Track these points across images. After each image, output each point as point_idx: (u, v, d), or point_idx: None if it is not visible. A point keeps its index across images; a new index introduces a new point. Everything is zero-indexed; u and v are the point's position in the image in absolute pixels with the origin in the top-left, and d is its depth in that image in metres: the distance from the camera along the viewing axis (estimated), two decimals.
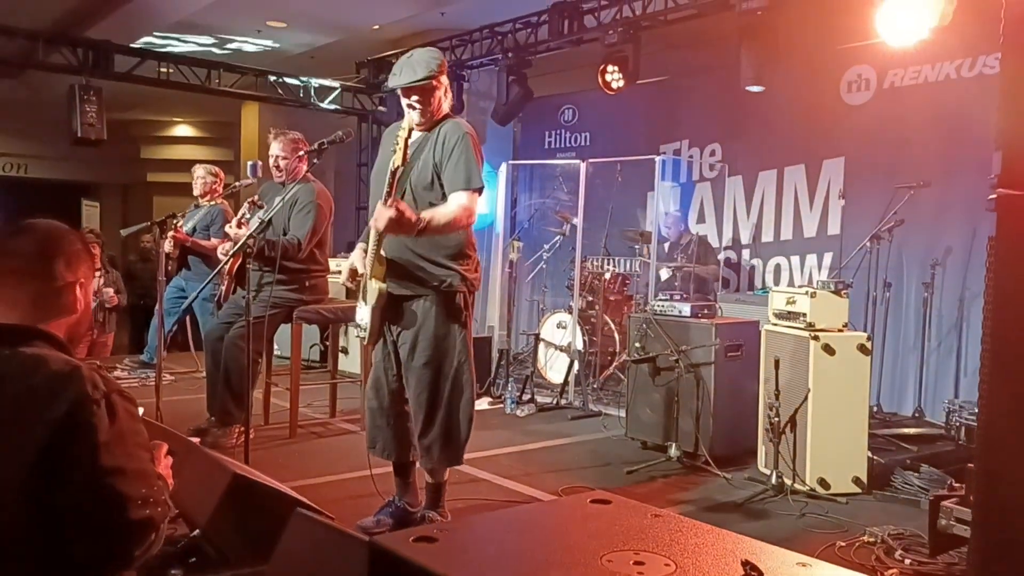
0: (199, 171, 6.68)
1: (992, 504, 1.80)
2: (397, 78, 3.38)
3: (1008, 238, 1.68)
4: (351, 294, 7.22)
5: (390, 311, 3.46)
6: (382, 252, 3.37)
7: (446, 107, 3.47)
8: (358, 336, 3.63)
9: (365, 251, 3.46)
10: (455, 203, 3.30)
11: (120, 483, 1.56)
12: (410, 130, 3.32)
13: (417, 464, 3.61)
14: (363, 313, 3.48)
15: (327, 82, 9.71)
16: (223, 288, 4.94)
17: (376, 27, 9.27)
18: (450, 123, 3.44)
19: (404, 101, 3.41)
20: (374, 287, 3.40)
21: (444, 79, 3.42)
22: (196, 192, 6.67)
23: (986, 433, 1.71)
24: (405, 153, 3.25)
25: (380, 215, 3.16)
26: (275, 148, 4.94)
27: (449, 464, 3.52)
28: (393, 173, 3.26)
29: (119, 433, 1.58)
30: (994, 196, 1.70)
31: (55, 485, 1.52)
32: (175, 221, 5.97)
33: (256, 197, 4.91)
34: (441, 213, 3.28)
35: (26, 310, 1.68)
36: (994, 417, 1.72)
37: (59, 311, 1.72)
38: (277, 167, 4.92)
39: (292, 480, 3.88)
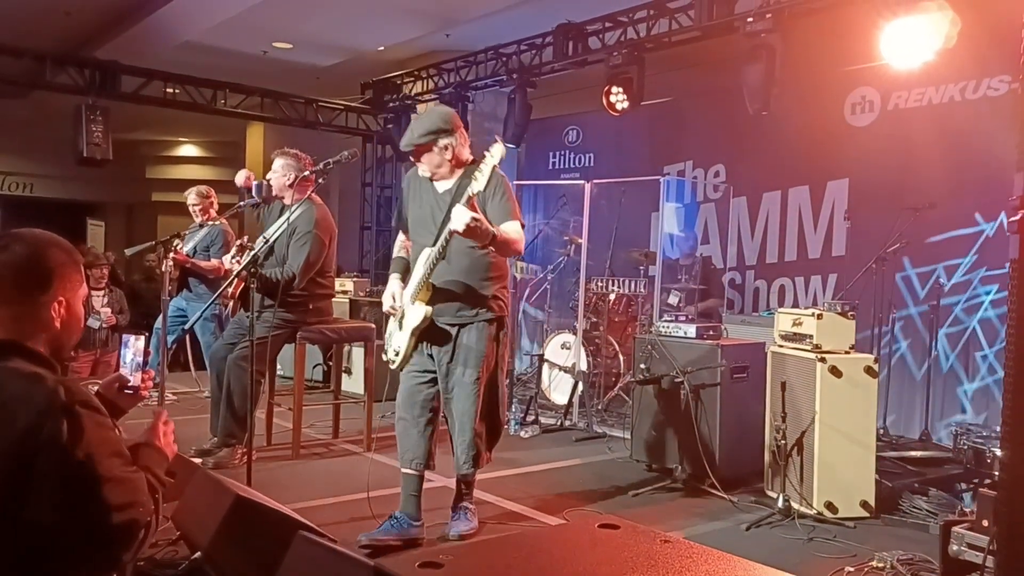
0: (190, 197, 6.66)
1: (1016, 539, 1.76)
2: (404, 139, 3.71)
3: None
4: (354, 314, 7.25)
5: (433, 335, 3.69)
6: (431, 280, 3.61)
7: (467, 155, 3.69)
8: (387, 360, 3.84)
9: (401, 280, 3.75)
10: (512, 228, 3.57)
11: (95, 492, 1.56)
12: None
13: (426, 476, 3.82)
14: (399, 338, 3.72)
15: (333, 102, 9.76)
16: (229, 308, 4.95)
17: (381, 48, 9.33)
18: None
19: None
20: (420, 310, 3.62)
21: (443, 141, 3.61)
22: (195, 219, 6.68)
23: (1011, 460, 1.68)
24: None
25: (459, 216, 3.28)
26: (273, 165, 4.98)
27: (484, 464, 3.85)
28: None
29: (86, 443, 1.58)
30: (1016, 218, 1.68)
31: (26, 500, 1.53)
32: (176, 243, 5.98)
33: (245, 239, 4.93)
34: (505, 230, 3.53)
35: (7, 327, 1.70)
36: (1019, 442, 1.69)
37: (38, 327, 1.73)
38: (267, 180, 4.96)
39: (294, 502, 3.86)
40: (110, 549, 1.60)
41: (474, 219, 3.28)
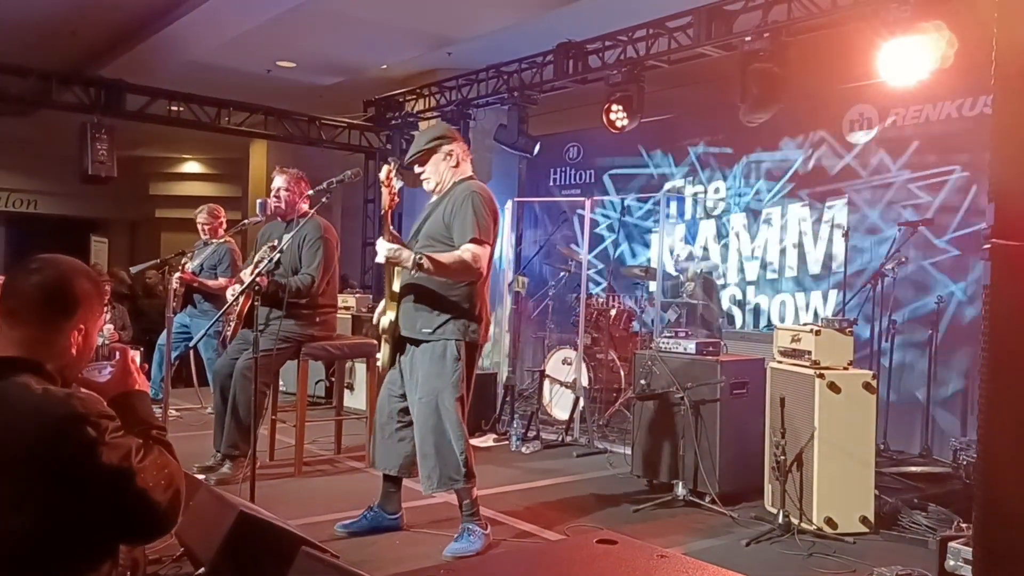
0: (200, 216, 6.73)
1: (995, 545, 1.79)
2: (409, 151, 3.96)
3: (1002, 288, 1.70)
4: (357, 330, 7.29)
5: (403, 349, 3.87)
6: (395, 288, 3.78)
7: (462, 171, 3.88)
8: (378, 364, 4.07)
9: None
10: (460, 251, 3.66)
11: (136, 487, 1.65)
12: (389, 172, 3.69)
13: (403, 480, 4.03)
14: (384, 345, 3.92)
15: (335, 120, 9.83)
16: (231, 327, 4.95)
17: (384, 67, 9.41)
18: (463, 184, 3.82)
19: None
20: (385, 319, 3.82)
21: (447, 147, 3.84)
22: (203, 237, 6.74)
23: (985, 493, 1.71)
24: (392, 196, 3.67)
25: (379, 249, 3.58)
26: (278, 181, 5.07)
27: (447, 487, 3.80)
28: (384, 215, 3.68)
29: (111, 447, 1.64)
30: (988, 246, 1.73)
31: (67, 506, 1.59)
32: (183, 260, 6.02)
33: (276, 242, 4.96)
34: (443, 255, 3.62)
35: (22, 347, 1.73)
36: (992, 460, 1.72)
37: (53, 351, 1.78)
38: (277, 197, 5.03)
39: (297, 518, 3.88)
40: (167, 521, 1.73)
41: (391, 251, 3.54)
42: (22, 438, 1.58)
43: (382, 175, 3.62)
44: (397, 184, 3.69)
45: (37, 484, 1.58)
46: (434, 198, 3.91)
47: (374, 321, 4.00)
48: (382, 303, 3.92)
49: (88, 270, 1.87)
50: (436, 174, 3.84)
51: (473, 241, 3.64)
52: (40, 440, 1.58)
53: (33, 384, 1.66)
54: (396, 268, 3.72)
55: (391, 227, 3.66)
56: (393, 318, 3.78)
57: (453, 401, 3.72)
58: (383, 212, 3.63)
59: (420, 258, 3.52)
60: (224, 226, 6.77)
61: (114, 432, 1.65)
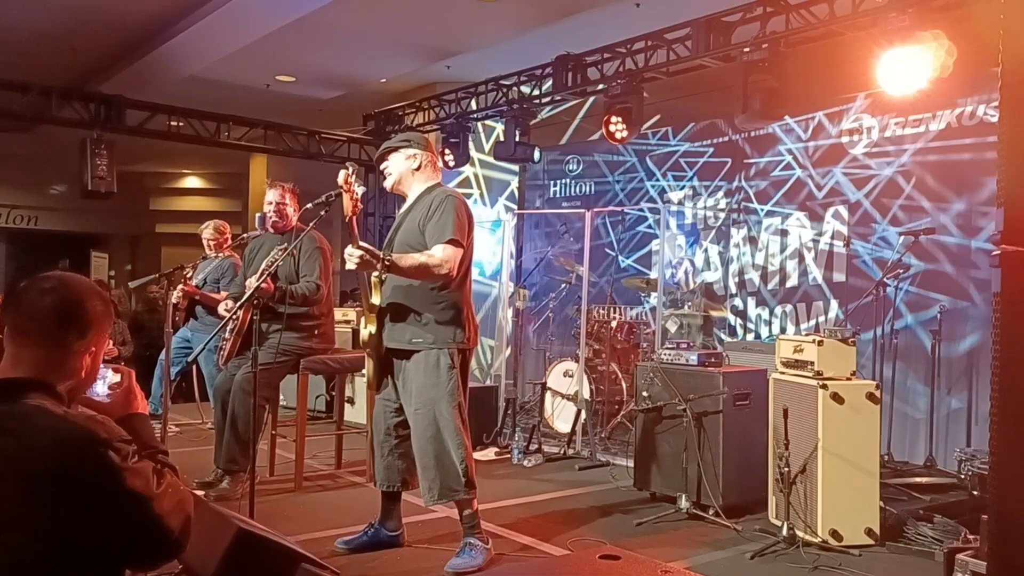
0: (206, 232, 6.73)
1: (1009, 558, 1.77)
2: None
3: (1012, 294, 1.69)
4: (357, 343, 7.27)
5: (390, 361, 3.83)
6: (374, 301, 3.73)
7: (425, 176, 3.88)
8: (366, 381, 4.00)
9: None
10: (428, 252, 3.65)
11: (153, 513, 1.64)
12: (347, 177, 3.59)
13: (403, 495, 4.01)
14: (368, 361, 3.86)
15: (335, 134, 9.84)
16: (227, 347, 4.91)
17: (383, 80, 9.44)
18: (438, 190, 3.85)
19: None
20: (366, 331, 3.78)
21: (411, 150, 3.86)
22: (207, 251, 6.73)
23: (998, 492, 1.69)
24: (354, 203, 3.59)
25: (348, 256, 3.50)
26: (272, 195, 5.05)
27: (447, 498, 3.76)
28: (349, 222, 3.62)
29: (131, 473, 1.63)
30: (998, 252, 1.71)
31: (85, 531, 1.57)
32: (184, 273, 6.01)
33: (292, 247, 4.94)
34: (409, 256, 3.62)
35: (32, 368, 1.71)
36: (1005, 471, 1.70)
37: (64, 372, 1.75)
38: (277, 212, 5.01)
39: (297, 534, 3.86)
40: (179, 547, 1.72)
41: (360, 257, 3.46)
42: (42, 460, 1.55)
43: (340, 179, 3.51)
44: (359, 190, 3.58)
45: (52, 506, 1.55)
46: (404, 206, 3.93)
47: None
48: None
49: (100, 291, 1.85)
50: (396, 172, 3.86)
51: (449, 242, 3.63)
52: (61, 463, 1.55)
53: (50, 406, 1.64)
54: (373, 280, 3.71)
55: (357, 234, 3.57)
56: (373, 331, 3.74)
57: (451, 410, 3.69)
58: (347, 220, 3.53)
59: (388, 260, 3.50)
60: (229, 242, 6.77)
61: (133, 457, 1.64)
